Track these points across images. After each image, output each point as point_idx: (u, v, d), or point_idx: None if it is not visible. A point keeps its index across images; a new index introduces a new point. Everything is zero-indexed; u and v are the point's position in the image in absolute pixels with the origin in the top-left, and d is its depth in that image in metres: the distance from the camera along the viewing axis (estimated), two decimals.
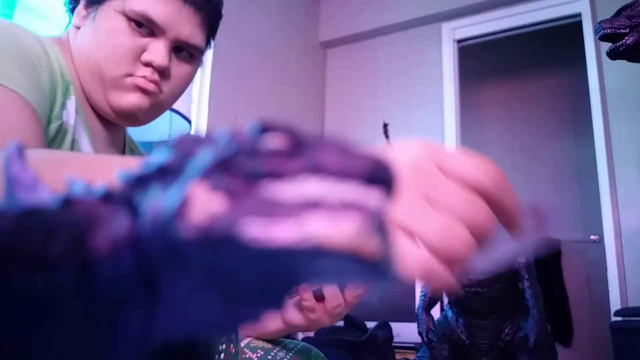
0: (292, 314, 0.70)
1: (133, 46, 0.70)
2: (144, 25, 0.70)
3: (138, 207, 0.17)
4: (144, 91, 0.71)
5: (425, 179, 0.28)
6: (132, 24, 0.70)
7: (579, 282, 3.37)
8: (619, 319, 2.07)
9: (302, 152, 0.15)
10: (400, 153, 0.29)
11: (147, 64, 0.71)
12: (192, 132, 1.37)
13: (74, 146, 0.67)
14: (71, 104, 0.68)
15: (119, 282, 0.17)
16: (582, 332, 3.27)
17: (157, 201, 0.16)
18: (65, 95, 0.68)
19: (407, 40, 3.31)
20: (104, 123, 0.76)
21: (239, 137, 0.16)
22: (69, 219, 0.17)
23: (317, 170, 0.15)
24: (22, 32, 0.64)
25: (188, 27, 0.73)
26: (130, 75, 0.71)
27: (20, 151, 0.19)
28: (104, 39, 0.70)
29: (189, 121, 1.65)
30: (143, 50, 0.71)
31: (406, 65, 3.27)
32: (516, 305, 1.78)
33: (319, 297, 0.67)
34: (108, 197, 0.18)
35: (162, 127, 1.70)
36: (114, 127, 0.78)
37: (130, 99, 0.71)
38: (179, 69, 0.75)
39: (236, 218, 0.15)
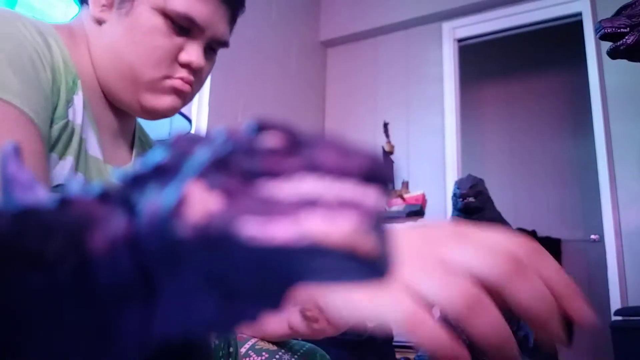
0: (298, 321, 0.69)
1: (172, 47, 0.68)
2: (183, 25, 0.68)
3: (135, 206, 0.17)
4: (179, 93, 0.70)
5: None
6: (171, 23, 0.67)
7: (579, 281, 3.35)
8: (619, 318, 2.07)
9: (299, 150, 0.15)
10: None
11: (185, 65, 0.69)
12: (192, 132, 1.37)
13: (81, 146, 0.65)
14: (79, 100, 0.65)
15: (116, 282, 0.17)
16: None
17: (154, 200, 0.16)
18: (72, 90, 0.64)
19: (407, 39, 3.31)
20: (117, 114, 0.73)
21: (236, 135, 0.16)
22: (67, 218, 0.17)
23: (314, 168, 0.15)
24: (23, 24, 0.60)
25: (223, 26, 0.72)
26: (168, 77, 0.69)
27: (17, 151, 0.19)
28: (140, 39, 0.66)
29: (189, 120, 1.65)
30: (180, 50, 0.68)
31: (406, 64, 3.27)
32: None
33: None
34: (105, 197, 0.18)
35: (162, 126, 1.70)
36: (127, 117, 0.75)
37: (167, 101, 0.69)
38: (206, 65, 0.73)
39: (233, 217, 0.14)
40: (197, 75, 0.72)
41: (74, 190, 0.18)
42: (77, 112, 0.64)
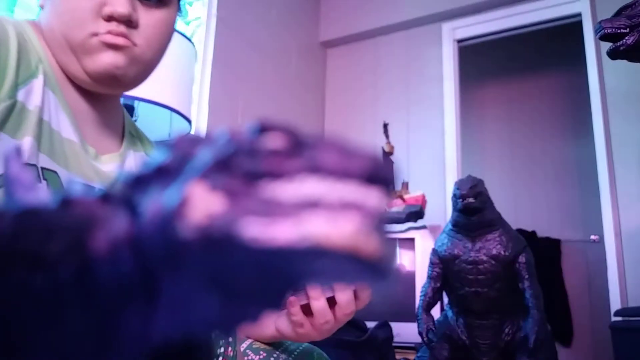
0: (284, 325, 0.69)
1: (91, 4, 0.66)
2: None
3: (137, 207, 0.17)
4: (114, 47, 0.67)
5: None
6: None
7: (579, 282, 3.37)
8: (619, 319, 2.07)
9: (300, 151, 0.15)
10: None
11: (110, 18, 0.66)
12: (192, 132, 1.37)
13: (42, 127, 0.64)
14: (38, 82, 0.65)
15: (118, 282, 0.17)
16: (582, 332, 3.27)
17: (156, 201, 0.16)
18: (32, 74, 0.64)
19: (407, 40, 3.31)
20: (92, 101, 0.73)
21: (238, 137, 0.16)
22: (68, 219, 0.17)
23: (315, 170, 0.15)
24: None
25: None
26: (96, 34, 0.66)
27: (19, 152, 0.19)
28: (61, 6, 0.67)
29: (189, 121, 1.65)
30: (102, 5, 0.66)
31: (406, 65, 3.27)
32: (516, 305, 1.78)
33: (308, 312, 0.66)
34: (107, 198, 0.18)
35: (162, 127, 1.70)
36: (105, 106, 0.74)
37: (104, 59, 0.67)
38: (148, 16, 0.70)
39: (235, 218, 0.15)
40: (134, 28, 0.69)
41: (76, 191, 0.18)
42: (34, 95, 0.64)
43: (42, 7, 0.71)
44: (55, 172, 0.64)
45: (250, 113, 2.75)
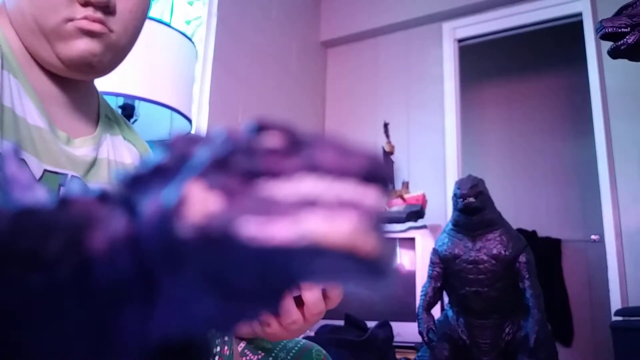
0: (255, 323, 0.68)
1: None
2: None
3: (135, 206, 0.17)
4: (90, 34, 0.64)
5: None
6: None
7: (579, 281, 3.37)
8: (620, 318, 2.07)
9: (298, 150, 0.15)
10: None
11: (86, 4, 0.64)
12: (193, 132, 1.36)
13: (3, 113, 0.61)
14: None
15: (116, 282, 0.17)
16: (583, 332, 3.27)
17: (155, 200, 0.16)
18: None
19: (407, 39, 3.31)
20: (62, 85, 0.70)
21: (236, 135, 0.15)
22: (66, 218, 0.17)
23: (313, 168, 0.15)
24: None
25: None
26: (71, 19, 0.64)
27: (17, 151, 0.19)
28: None
29: (190, 120, 1.65)
30: None
31: (407, 64, 3.27)
32: (517, 305, 1.78)
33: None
34: (105, 197, 0.18)
35: (163, 126, 1.70)
36: (77, 89, 0.72)
37: (79, 46, 0.64)
38: (125, 2, 0.67)
39: (233, 217, 0.14)
40: (111, 14, 0.66)
41: (74, 190, 0.18)
42: None
43: None
44: (22, 160, 0.61)
45: (251, 112, 2.75)
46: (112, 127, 0.79)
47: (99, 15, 0.65)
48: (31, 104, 0.65)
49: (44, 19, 0.64)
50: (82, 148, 0.70)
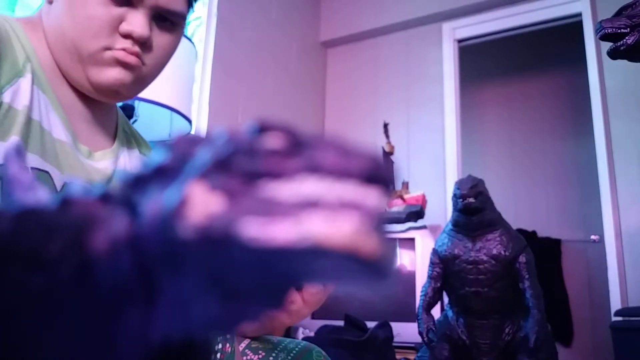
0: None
1: (109, 17, 0.65)
2: None
3: (136, 207, 0.17)
4: (125, 65, 0.67)
5: None
6: None
7: (579, 282, 3.37)
8: (620, 318, 2.07)
9: (300, 151, 0.15)
10: None
11: (127, 36, 0.66)
12: (193, 132, 1.36)
13: (30, 127, 0.63)
14: (25, 82, 0.63)
15: (117, 282, 0.17)
16: (583, 332, 3.27)
17: (156, 201, 0.16)
18: (19, 73, 0.63)
19: (407, 40, 3.31)
20: (86, 101, 0.72)
21: (237, 137, 0.16)
22: (68, 219, 0.17)
23: (315, 169, 0.15)
24: None
25: None
26: (109, 48, 0.66)
27: (19, 152, 0.19)
28: (76, 11, 0.65)
29: (190, 121, 1.65)
30: (120, 20, 0.66)
31: (407, 65, 3.27)
32: (516, 305, 1.78)
33: None
34: (106, 198, 0.18)
35: (163, 127, 1.70)
36: (99, 105, 0.74)
37: (111, 74, 0.67)
38: (160, 38, 0.70)
39: (234, 218, 0.14)
40: (147, 48, 0.68)
41: (75, 190, 0.18)
42: (21, 95, 0.63)
43: (50, 1, 0.69)
44: (47, 172, 0.63)
45: (251, 113, 2.75)
46: (130, 141, 0.81)
47: (136, 48, 0.67)
48: (57, 119, 0.67)
49: (83, 43, 0.65)
50: (102, 161, 0.72)
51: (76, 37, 0.65)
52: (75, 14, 0.65)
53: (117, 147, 0.76)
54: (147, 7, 0.66)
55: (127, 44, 0.66)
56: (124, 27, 0.66)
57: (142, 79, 0.71)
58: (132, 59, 0.67)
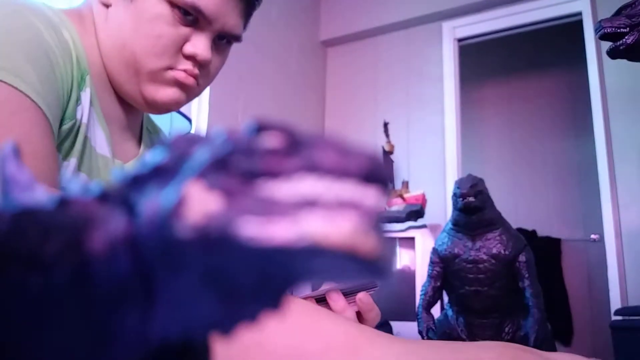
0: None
1: (176, 37, 0.64)
2: (190, 14, 0.64)
3: (134, 206, 0.17)
4: (182, 86, 0.67)
5: None
6: (177, 12, 0.64)
7: (579, 281, 3.37)
8: (619, 318, 2.07)
9: (298, 150, 0.15)
10: None
11: (190, 57, 0.66)
12: (192, 131, 1.37)
13: (85, 145, 0.63)
14: (86, 97, 0.63)
15: (115, 283, 0.17)
16: (582, 331, 3.27)
17: (154, 201, 0.16)
18: (80, 87, 0.62)
19: (407, 39, 3.31)
20: (125, 107, 0.71)
21: (235, 136, 0.15)
22: (65, 219, 0.17)
23: (313, 168, 0.15)
24: (36, 17, 0.57)
25: (233, 18, 0.68)
26: (171, 68, 0.66)
27: (16, 151, 0.19)
28: (144, 26, 0.63)
29: (189, 120, 1.65)
30: (185, 40, 0.65)
31: (407, 64, 3.27)
32: (516, 304, 1.78)
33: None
34: (104, 197, 0.18)
35: (162, 126, 1.70)
36: (133, 110, 0.73)
37: (168, 94, 0.66)
38: (216, 59, 0.70)
39: (233, 217, 0.14)
40: (204, 69, 0.69)
41: (73, 190, 0.18)
42: (84, 110, 0.62)
43: (106, 5, 0.67)
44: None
45: (251, 112, 2.75)
46: (152, 139, 0.81)
47: (196, 71, 0.67)
48: (102, 134, 0.67)
49: (146, 59, 0.65)
50: None
51: (139, 52, 0.64)
52: (142, 30, 0.64)
53: (142, 152, 0.77)
54: (213, 30, 0.67)
55: (188, 65, 0.66)
56: (188, 48, 0.65)
57: (193, 97, 0.71)
58: (190, 81, 0.67)
